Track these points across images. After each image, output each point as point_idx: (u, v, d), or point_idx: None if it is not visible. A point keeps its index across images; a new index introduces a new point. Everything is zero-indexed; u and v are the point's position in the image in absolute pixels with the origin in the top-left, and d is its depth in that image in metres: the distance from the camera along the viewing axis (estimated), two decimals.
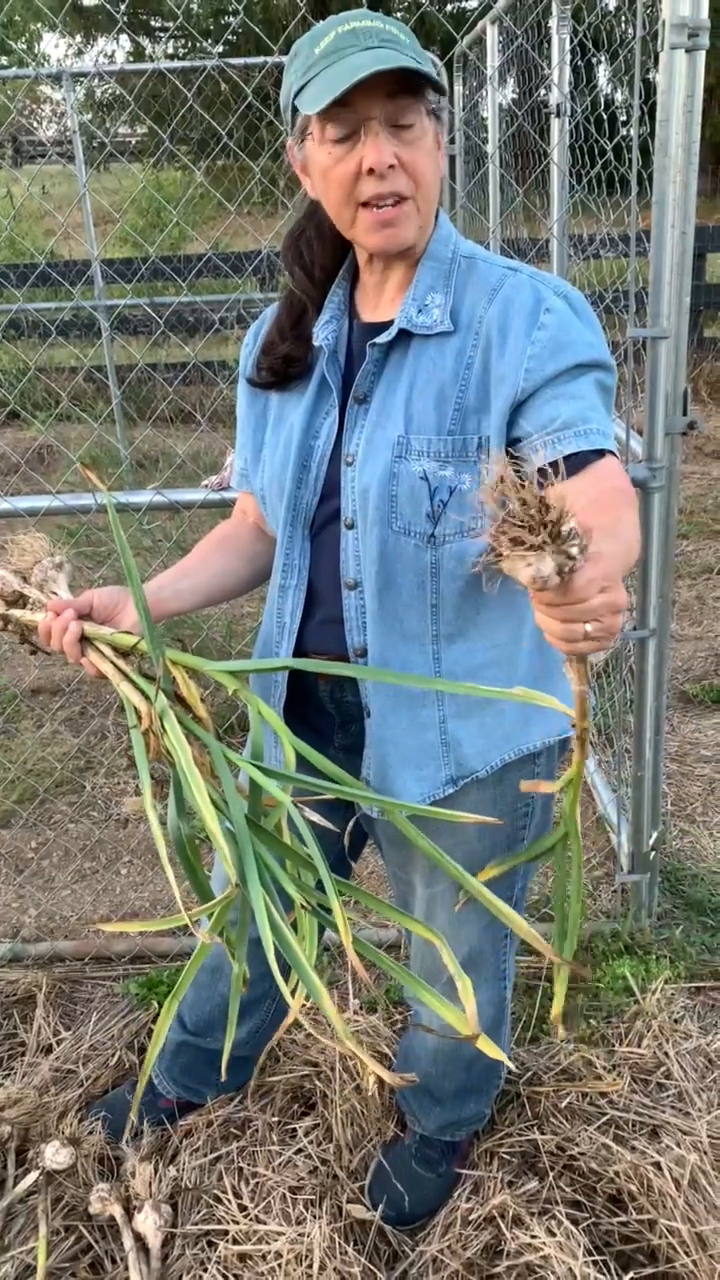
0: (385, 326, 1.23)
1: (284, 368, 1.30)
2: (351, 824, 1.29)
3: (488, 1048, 1.04)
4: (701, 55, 1.66)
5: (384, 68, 1.05)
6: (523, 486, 0.76)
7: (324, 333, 1.27)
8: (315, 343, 1.27)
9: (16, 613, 1.30)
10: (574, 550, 0.77)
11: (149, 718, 1.14)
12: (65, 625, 1.22)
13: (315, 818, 1.10)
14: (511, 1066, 0.99)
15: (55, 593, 1.29)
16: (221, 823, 1.08)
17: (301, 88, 1.12)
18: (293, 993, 1.07)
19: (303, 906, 1.08)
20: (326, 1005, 1.00)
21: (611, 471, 1.10)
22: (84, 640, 1.22)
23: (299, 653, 1.34)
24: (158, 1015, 1.99)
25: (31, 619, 1.28)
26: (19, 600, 1.30)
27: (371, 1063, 1.00)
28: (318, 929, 1.13)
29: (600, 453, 1.11)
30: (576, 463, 1.09)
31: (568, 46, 2.54)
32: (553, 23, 2.57)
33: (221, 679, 1.18)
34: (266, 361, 1.31)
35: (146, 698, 1.15)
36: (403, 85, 1.10)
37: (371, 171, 1.11)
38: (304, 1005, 1.93)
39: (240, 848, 1.07)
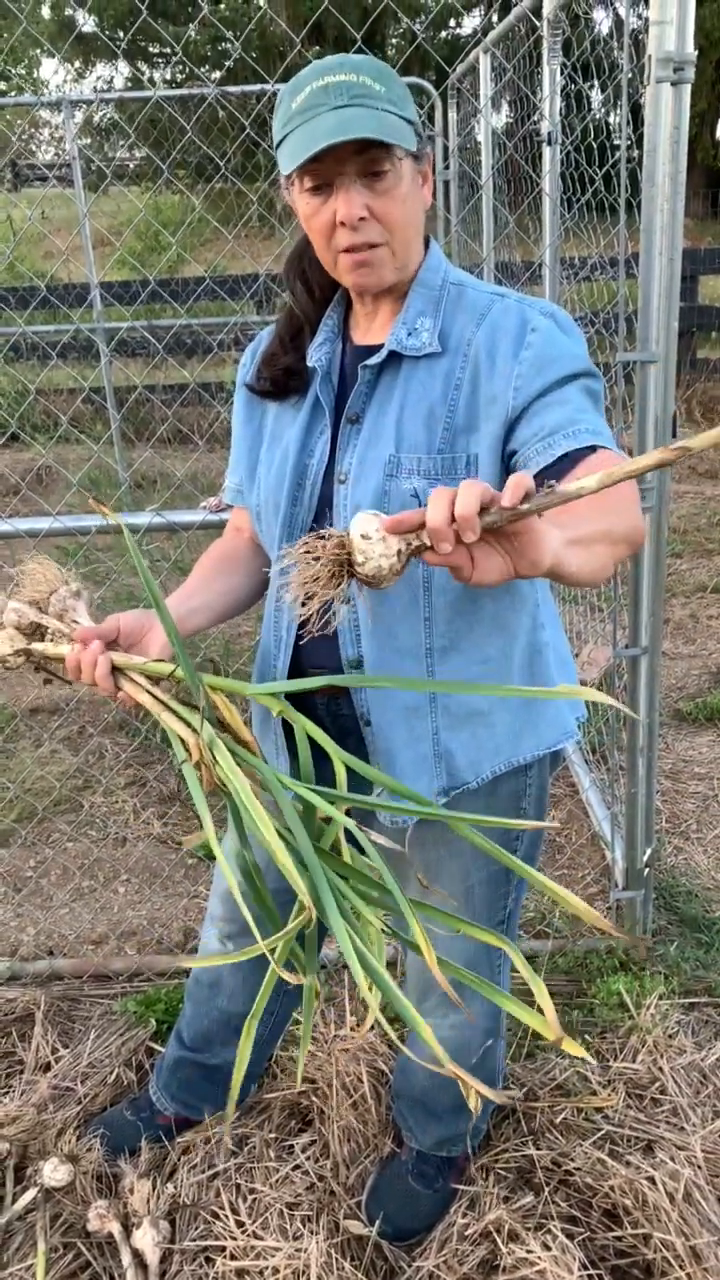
0: (377, 349, 1.27)
1: (284, 379, 1.34)
2: (359, 817, 1.31)
3: (471, 1081, 1.04)
4: (687, 88, 1.70)
5: (341, 139, 1.09)
6: (322, 546, 0.94)
7: (318, 354, 1.31)
8: (309, 363, 1.31)
9: (39, 646, 1.23)
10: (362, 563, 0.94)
11: (198, 749, 1.08)
12: (94, 658, 1.16)
13: (378, 838, 1.06)
14: (490, 1095, 0.98)
15: (76, 621, 1.23)
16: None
17: (281, 140, 1.16)
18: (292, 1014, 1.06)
19: (382, 931, 1.06)
20: (417, 1020, 0.99)
21: (603, 460, 1.12)
22: (115, 670, 1.17)
23: (295, 666, 1.36)
24: (155, 1033, 2.00)
25: (56, 652, 1.21)
26: (37, 632, 1.24)
27: (473, 1081, 0.99)
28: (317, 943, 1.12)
29: (592, 448, 1.13)
30: (568, 462, 1.12)
31: (559, 77, 2.59)
32: (544, 52, 2.63)
33: (265, 701, 1.14)
34: (268, 372, 1.35)
35: (191, 727, 1.09)
36: (371, 141, 1.13)
37: (344, 224, 1.16)
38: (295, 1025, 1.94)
39: (314, 876, 1.02)
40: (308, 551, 0.96)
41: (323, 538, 0.95)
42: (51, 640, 1.23)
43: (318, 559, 0.95)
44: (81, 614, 1.23)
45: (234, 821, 1.08)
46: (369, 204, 1.16)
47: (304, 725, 1.12)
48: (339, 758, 1.10)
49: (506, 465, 1.22)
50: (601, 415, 1.21)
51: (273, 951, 1.00)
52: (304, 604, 0.94)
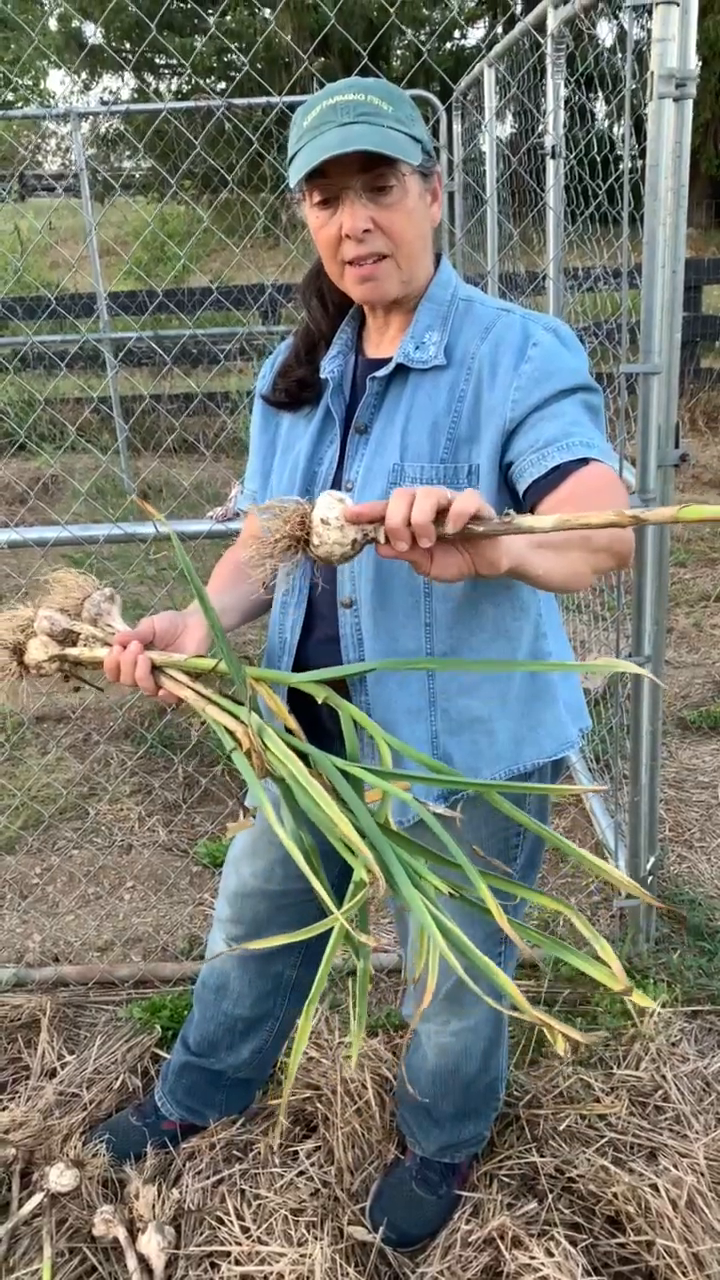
0: (386, 362, 1.29)
1: (298, 390, 1.37)
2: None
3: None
4: (689, 104, 1.73)
5: (341, 151, 1.13)
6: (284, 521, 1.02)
7: (330, 366, 1.34)
8: (322, 375, 1.34)
9: (75, 651, 1.24)
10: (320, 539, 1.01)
11: (248, 738, 1.10)
12: (134, 658, 1.17)
13: (436, 808, 1.08)
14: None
15: (111, 625, 1.24)
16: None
17: (293, 157, 1.20)
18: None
19: (452, 895, 1.07)
20: (514, 993, 1.00)
21: (592, 474, 1.14)
22: (154, 669, 1.19)
23: (299, 669, 1.38)
24: (161, 1039, 2.01)
25: (93, 656, 1.22)
26: (68, 638, 1.25)
27: (558, 1024, 1.00)
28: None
29: (585, 461, 1.15)
30: (560, 474, 1.15)
31: (562, 92, 2.61)
32: (548, 66, 2.65)
33: (309, 689, 1.16)
34: (282, 383, 1.39)
35: (236, 718, 1.12)
36: (376, 158, 1.16)
37: (349, 236, 1.19)
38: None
39: (382, 853, 1.04)
40: (275, 515, 1.03)
41: (287, 507, 1.02)
42: (85, 645, 1.24)
43: (285, 523, 1.02)
44: (116, 618, 1.25)
45: (287, 805, 1.09)
46: (374, 217, 1.19)
47: (350, 711, 1.14)
48: (381, 737, 1.12)
49: (505, 475, 1.24)
50: (600, 429, 1.24)
51: (332, 928, 1.03)
52: (256, 566, 1.02)
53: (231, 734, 1.12)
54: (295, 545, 1.03)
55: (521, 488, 1.20)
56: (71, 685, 1.28)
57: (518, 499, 1.23)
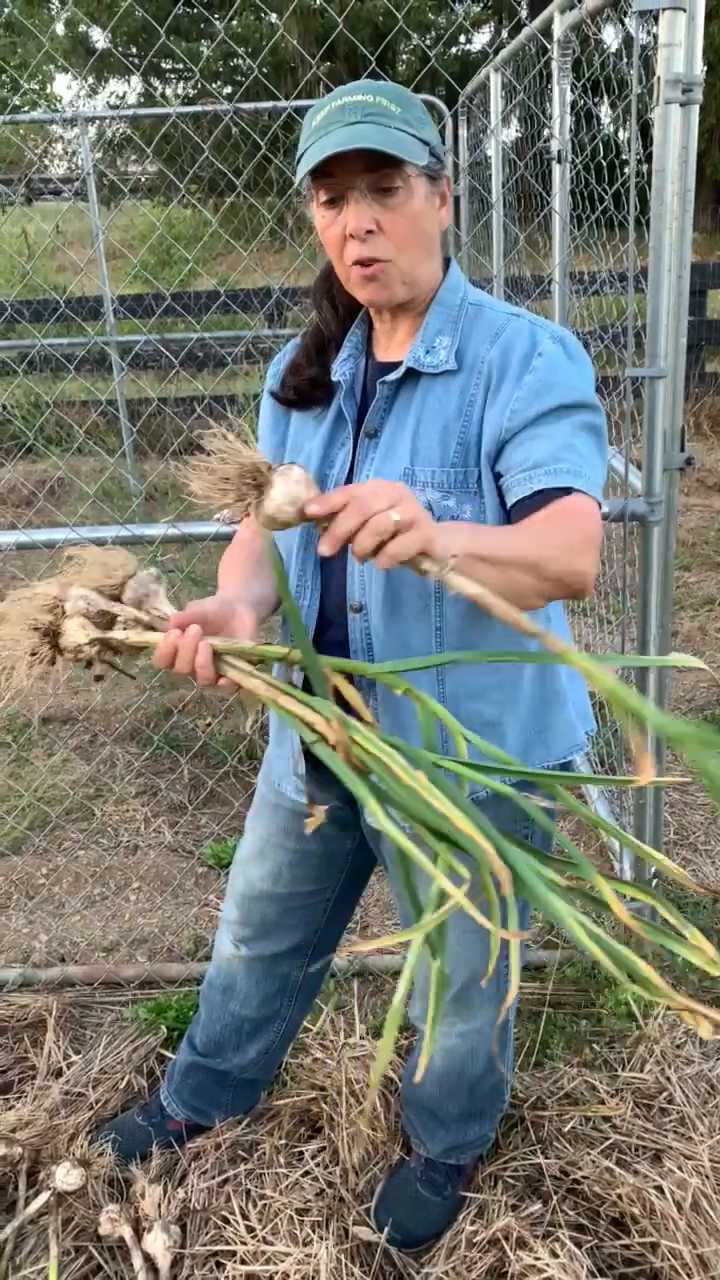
0: (396, 366, 1.30)
1: (310, 390, 1.37)
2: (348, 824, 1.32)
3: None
4: (695, 109, 1.73)
5: (346, 148, 1.13)
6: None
7: (342, 369, 1.35)
8: (334, 378, 1.35)
9: (121, 635, 1.12)
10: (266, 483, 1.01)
11: (332, 730, 1.03)
12: (194, 643, 1.07)
13: (540, 801, 1.04)
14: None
15: (157, 609, 1.13)
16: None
17: (301, 155, 1.20)
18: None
19: (567, 886, 1.04)
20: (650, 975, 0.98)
21: (569, 507, 1.16)
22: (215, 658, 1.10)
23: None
24: (166, 1039, 2.02)
25: (142, 640, 1.11)
26: (106, 620, 1.14)
27: (700, 1006, 0.96)
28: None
29: (569, 490, 1.17)
30: (542, 499, 1.17)
31: (568, 97, 2.62)
32: (554, 71, 2.66)
33: (387, 680, 1.09)
34: (293, 381, 1.38)
35: (312, 709, 1.05)
36: (382, 158, 1.17)
37: (353, 236, 1.20)
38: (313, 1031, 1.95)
39: (504, 851, 0.98)
40: (228, 457, 1.01)
41: (251, 462, 1.01)
42: (126, 629, 1.13)
43: (239, 466, 1.01)
44: (163, 600, 1.15)
45: (372, 799, 1.02)
46: (378, 218, 1.19)
47: (431, 706, 1.08)
48: (459, 732, 1.07)
49: (496, 483, 1.25)
50: (598, 449, 1.23)
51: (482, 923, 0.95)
52: (202, 493, 1.02)
53: (309, 726, 1.05)
54: (246, 493, 1.01)
55: (508, 503, 1.22)
56: (94, 673, 1.15)
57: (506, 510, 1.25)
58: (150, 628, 1.13)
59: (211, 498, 1.02)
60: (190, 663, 1.07)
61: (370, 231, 1.19)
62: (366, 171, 1.17)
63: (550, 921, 2.29)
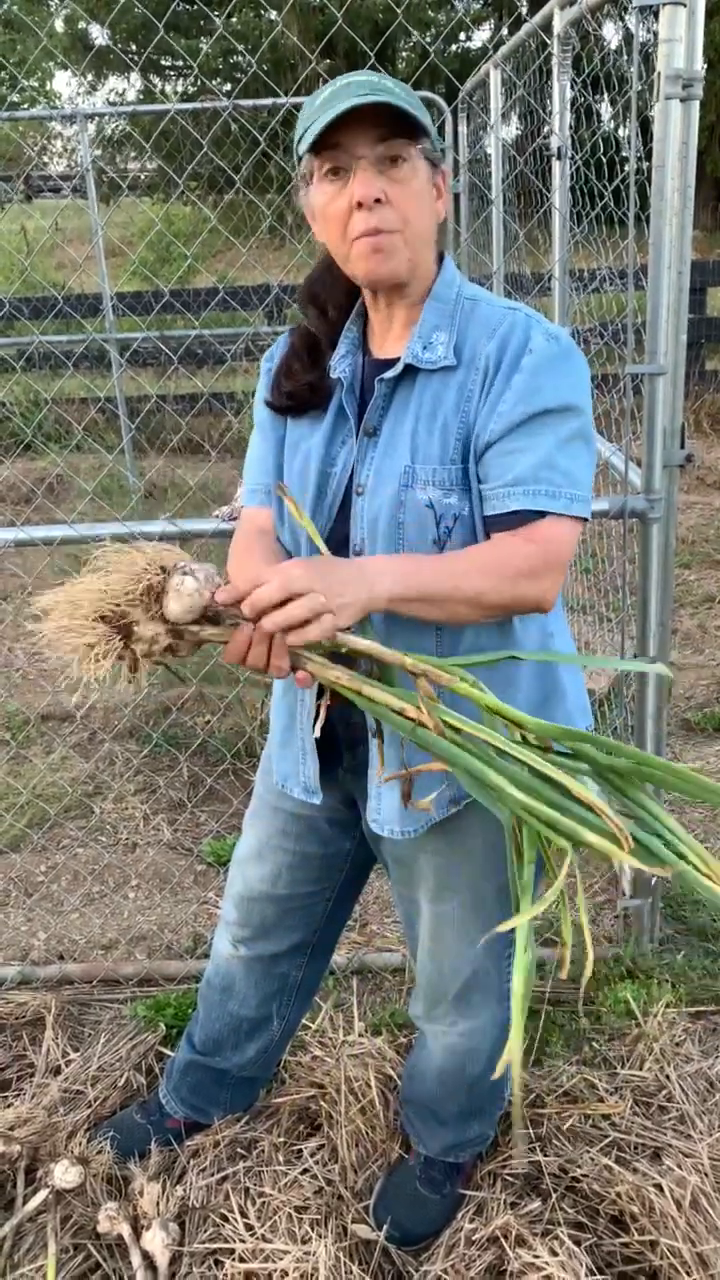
0: (393, 363, 1.29)
1: (308, 394, 1.35)
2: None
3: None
4: (696, 105, 1.73)
5: (363, 102, 1.13)
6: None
7: (341, 366, 1.33)
8: (334, 375, 1.34)
9: (195, 627, 1.08)
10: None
11: (425, 714, 1.07)
12: (269, 637, 1.07)
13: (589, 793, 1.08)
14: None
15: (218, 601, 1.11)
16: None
17: (303, 135, 1.20)
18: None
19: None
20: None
21: (537, 533, 1.20)
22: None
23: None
24: (165, 1037, 2.02)
25: (217, 633, 1.09)
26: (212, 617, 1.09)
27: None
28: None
29: (542, 513, 1.20)
30: (515, 520, 1.20)
31: (568, 93, 2.62)
32: (554, 67, 2.66)
33: (456, 675, 1.12)
34: (288, 385, 1.36)
35: (399, 698, 1.09)
36: (392, 129, 1.17)
37: (360, 205, 1.18)
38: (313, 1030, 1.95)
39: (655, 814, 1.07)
40: (122, 563, 1.06)
41: (138, 567, 1.05)
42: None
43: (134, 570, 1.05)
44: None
45: (480, 791, 1.09)
46: (385, 189, 1.19)
47: (488, 702, 1.13)
48: (517, 721, 1.12)
49: (477, 475, 1.25)
50: (583, 459, 1.24)
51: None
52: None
53: (400, 713, 1.08)
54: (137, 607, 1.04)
55: (485, 513, 1.24)
56: (143, 665, 1.08)
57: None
58: (214, 620, 1.10)
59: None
60: (265, 657, 1.09)
61: (378, 201, 1.18)
62: (377, 140, 1.17)
63: (549, 919, 2.29)
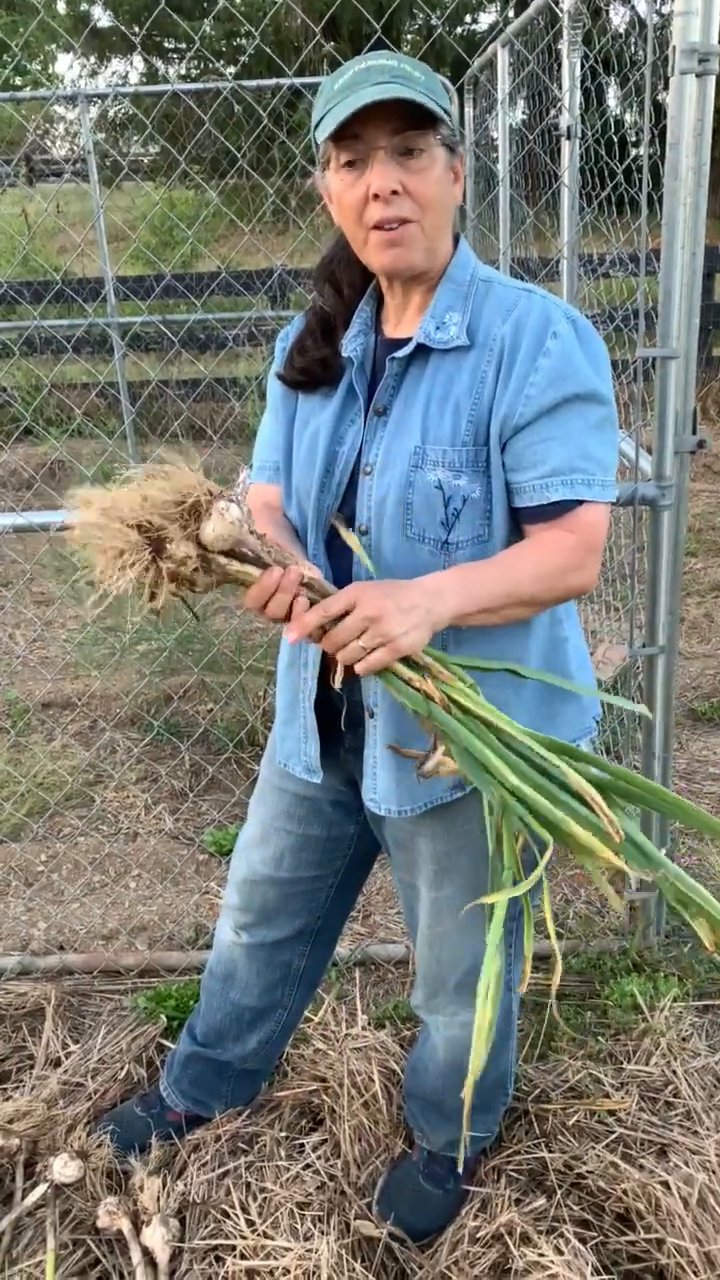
0: (406, 343, 1.27)
1: (320, 370, 1.34)
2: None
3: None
4: (711, 80, 1.68)
5: (383, 97, 1.12)
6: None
7: (352, 345, 1.32)
8: (345, 354, 1.32)
9: (225, 560, 1.04)
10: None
11: (428, 684, 1.13)
12: (295, 588, 1.10)
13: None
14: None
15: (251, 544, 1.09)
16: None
17: (320, 120, 1.18)
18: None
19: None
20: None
21: (578, 523, 1.22)
22: None
23: (321, 669, 1.36)
24: (166, 1029, 2.00)
25: (244, 571, 1.06)
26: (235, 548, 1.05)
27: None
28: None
29: (580, 502, 1.22)
30: (555, 510, 1.22)
31: (578, 71, 2.57)
32: (563, 46, 2.60)
33: (455, 673, 1.18)
34: (301, 361, 1.36)
35: (419, 673, 1.14)
36: (410, 119, 1.16)
37: (377, 197, 1.17)
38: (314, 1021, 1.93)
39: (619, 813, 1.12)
40: (171, 476, 1.03)
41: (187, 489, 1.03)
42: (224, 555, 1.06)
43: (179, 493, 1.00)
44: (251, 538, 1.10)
45: (474, 771, 1.13)
46: (402, 180, 1.18)
47: (482, 706, 1.16)
48: (523, 732, 1.17)
49: (504, 472, 1.24)
50: (610, 444, 1.25)
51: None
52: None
53: (407, 683, 1.12)
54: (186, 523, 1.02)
55: (518, 503, 1.24)
56: (154, 605, 1.05)
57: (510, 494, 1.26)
58: (245, 559, 1.07)
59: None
60: (287, 608, 1.10)
61: (395, 192, 1.17)
62: (394, 133, 1.16)
63: (554, 911, 2.27)
